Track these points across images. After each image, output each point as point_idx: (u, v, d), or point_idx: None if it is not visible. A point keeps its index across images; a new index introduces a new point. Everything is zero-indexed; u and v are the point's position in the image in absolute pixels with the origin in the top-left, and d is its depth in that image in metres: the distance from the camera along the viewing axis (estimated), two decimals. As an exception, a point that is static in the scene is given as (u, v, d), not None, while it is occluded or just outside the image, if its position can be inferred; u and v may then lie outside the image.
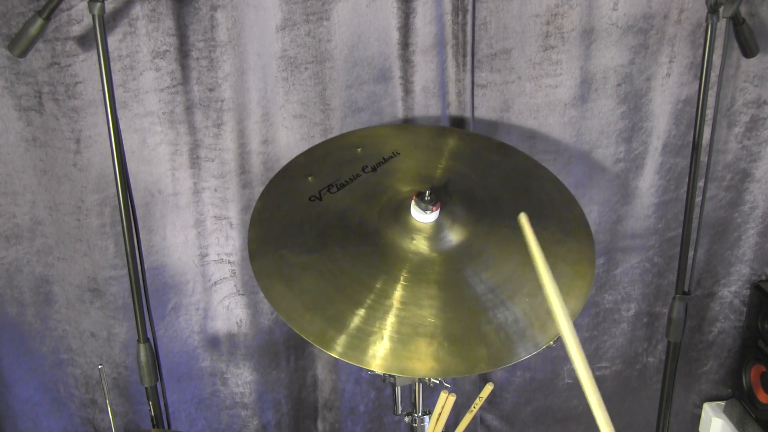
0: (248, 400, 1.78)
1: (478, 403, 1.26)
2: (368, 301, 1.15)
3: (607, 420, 0.96)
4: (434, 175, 1.39)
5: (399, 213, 1.27)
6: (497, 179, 1.41)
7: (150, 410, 1.45)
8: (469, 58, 1.51)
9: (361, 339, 1.11)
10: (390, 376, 1.26)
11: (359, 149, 1.42)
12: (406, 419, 1.44)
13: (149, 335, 1.40)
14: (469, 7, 1.46)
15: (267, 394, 1.79)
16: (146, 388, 1.42)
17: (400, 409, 1.45)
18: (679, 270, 1.55)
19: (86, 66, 1.36)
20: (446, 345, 1.12)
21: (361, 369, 1.10)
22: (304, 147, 1.48)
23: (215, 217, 1.58)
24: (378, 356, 1.10)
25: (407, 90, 1.55)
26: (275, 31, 1.43)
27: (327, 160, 1.41)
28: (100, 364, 1.54)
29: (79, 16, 1.32)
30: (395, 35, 1.49)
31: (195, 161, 1.52)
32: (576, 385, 1.99)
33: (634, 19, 1.54)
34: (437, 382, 1.28)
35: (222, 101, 1.46)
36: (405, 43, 1.50)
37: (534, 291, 1.20)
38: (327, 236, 1.25)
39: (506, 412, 1.99)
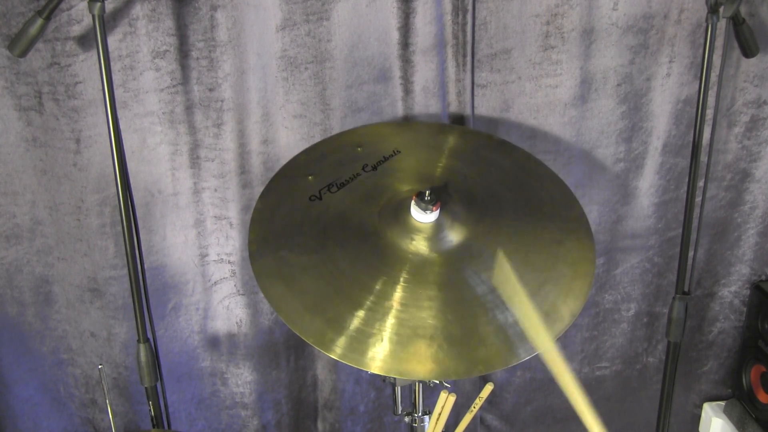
0: (248, 400, 1.78)
1: (478, 403, 1.26)
2: (368, 303, 1.15)
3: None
4: (434, 174, 1.38)
5: (399, 213, 1.27)
6: (498, 178, 1.41)
7: (150, 410, 1.45)
8: (469, 58, 1.51)
9: (361, 341, 1.11)
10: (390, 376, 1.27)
11: (359, 148, 1.41)
12: (406, 419, 1.44)
13: (149, 335, 1.40)
14: (469, 7, 1.46)
15: (267, 394, 1.79)
16: (146, 388, 1.42)
17: (400, 409, 1.45)
18: (679, 270, 1.55)
19: (86, 66, 1.36)
20: (446, 347, 1.12)
21: (361, 369, 1.10)
22: (304, 147, 1.48)
23: (215, 217, 1.58)
24: (377, 358, 1.10)
25: (407, 90, 1.55)
26: (275, 31, 1.43)
27: (327, 159, 1.41)
28: (100, 364, 1.54)
29: (79, 16, 1.32)
30: (395, 35, 1.49)
31: (195, 161, 1.52)
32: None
33: (634, 19, 1.54)
34: (437, 382, 1.28)
35: (222, 101, 1.46)
36: (405, 43, 1.50)
37: (534, 291, 1.20)
38: (327, 236, 1.24)
39: (506, 412, 1.99)
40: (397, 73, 1.53)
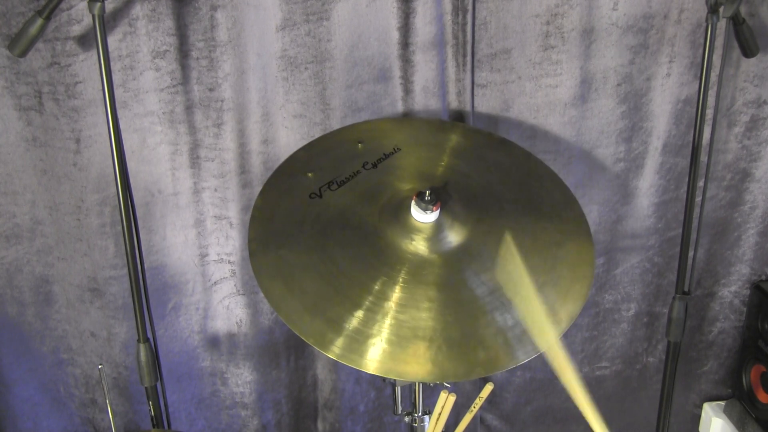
0: (248, 400, 1.78)
1: (478, 403, 1.26)
2: (367, 303, 1.15)
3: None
4: (434, 173, 1.38)
5: (399, 212, 1.27)
6: (498, 178, 1.40)
7: (150, 410, 1.45)
8: (469, 58, 1.51)
9: (360, 341, 1.11)
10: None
11: (360, 145, 1.41)
12: (406, 419, 1.44)
13: (149, 335, 1.40)
14: (469, 7, 1.46)
15: (267, 394, 1.79)
16: (146, 388, 1.42)
17: (400, 409, 1.45)
18: (679, 270, 1.55)
19: (86, 66, 1.36)
20: (444, 348, 1.12)
21: (365, 371, 1.10)
22: (304, 147, 1.49)
23: (215, 216, 1.58)
24: (376, 359, 1.10)
25: (407, 90, 1.55)
26: (275, 31, 1.43)
27: (327, 155, 1.40)
28: (100, 364, 1.54)
29: (79, 16, 1.32)
30: (395, 35, 1.49)
31: (195, 161, 1.51)
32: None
33: (634, 19, 1.54)
34: (439, 382, 1.28)
35: (222, 101, 1.46)
36: (405, 43, 1.50)
37: (533, 293, 1.20)
38: (327, 235, 1.24)
39: (506, 412, 1.99)
40: (397, 72, 1.53)
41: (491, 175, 1.41)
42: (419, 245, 1.24)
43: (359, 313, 1.13)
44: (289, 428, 1.86)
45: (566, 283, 1.23)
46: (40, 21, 1.21)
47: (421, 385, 1.40)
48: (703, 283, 1.92)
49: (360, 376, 1.84)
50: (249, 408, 1.79)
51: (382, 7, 1.45)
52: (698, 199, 1.52)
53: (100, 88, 1.23)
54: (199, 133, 1.49)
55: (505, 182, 1.40)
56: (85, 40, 1.34)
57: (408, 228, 1.25)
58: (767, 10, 1.58)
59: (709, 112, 1.58)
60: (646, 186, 1.75)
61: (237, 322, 1.70)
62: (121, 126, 1.30)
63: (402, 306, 1.15)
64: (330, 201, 1.29)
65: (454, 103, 1.55)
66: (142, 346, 1.38)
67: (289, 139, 1.54)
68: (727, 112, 1.70)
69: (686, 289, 1.56)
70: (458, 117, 1.57)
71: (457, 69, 1.52)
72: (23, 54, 1.25)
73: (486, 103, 1.58)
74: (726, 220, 1.84)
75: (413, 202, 1.24)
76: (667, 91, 1.63)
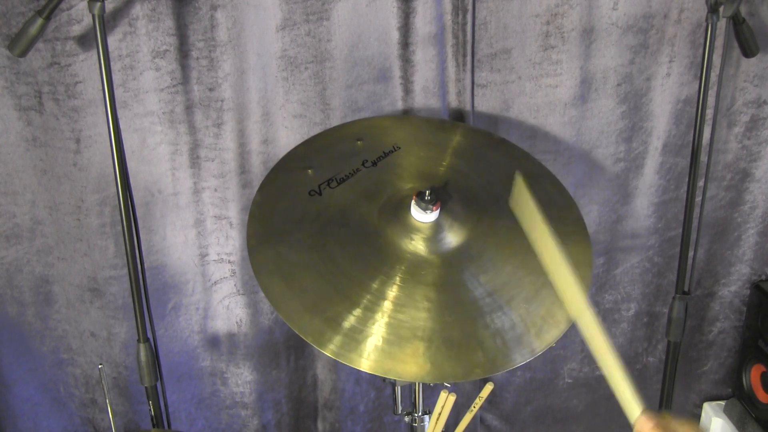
0: (248, 400, 1.78)
1: (478, 402, 1.26)
2: (365, 302, 1.15)
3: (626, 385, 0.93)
4: (434, 172, 1.38)
5: (399, 211, 1.27)
6: (498, 178, 1.40)
7: (150, 410, 1.45)
8: (469, 58, 1.51)
9: (359, 340, 1.11)
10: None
11: (359, 142, 1.41)
12: (406, 419, 1.44)
13: (149, 335, 1.40)
14: (469, 7, 1.46)
15: (267, 393, 1.79)
16: (146, 387, 1.42)
17: (400, 408, 1.45)
18: (679, 270, 1.55)
19: (86, 66, 1.36)
20: (443, 349, 1.12)
21: (361, 370, 1.10)
22: (304, 147, 1.49)
23: (215, 216, 1.58)
24: (373, 358, 1.10)
25: (407, 90, 1.55)
26: (275, 31, 1.43)
27: (327, 152, 1.40)
28: (100, 364, 1.54)
29: (79, 15, 1.32)
30: (395, 35, 1.49)
31: (195, 161, 1.52)
32: (576, 385, 1.99)
33: (634, 19, 1.54)
34: (436, 382, 1.28)
35: (222, 101, 1.46)
36: (405, 43, 1.50)
37: (531, 296, 1.20)
38: (326, 233, 1.24)
39: (506, 412, 1.99)
40: (397, 72, 1.53)
41: (490, 175, 1.40)
42: (418, 245, 1.24)
43: (358, 312, 1.13)
44: (289, 428, 1.86)
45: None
46: (40, 21, 1.21)
47: (421, 385, 1.40)
48: (703, 283, 1.92)
49: (360, 376, 1.84)
50: (249, 408, 1.79)
51: (382, 7, 1.45)
52: (698, 199, 1.52)
53: (100, 88, 1.23)
54: (199, 133, 1.49)
55: (504, 183, 1.40)
56: (85, 40, 1.34)
57: (407, 227, 1.25)
58: (767, 10, 1.58)
59: (709, 112, 1.58)
60: (646, 186, 1.75)
61: (237, 322, 1.70)
62: (121, 126, 1.30)
63: (401, 306, 1.15)
64: (329, 199, 1.29)
65: (454, 102, 1.55)
66: (142, 346, 1.38)
67: (289, 139, 1.54)
68: (727, 112, 1.70)
69: (686, 289, 1.57)
70: (458, 117, 1.57)
71: (457, 69, 1.52)
72: (23, 54, 1.25)
73: (486, 102, 1.58)
74: (726, 220, 1.84)
75: (413, 202, 1.24)
76: (667, 91, 1.63)
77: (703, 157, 1.52)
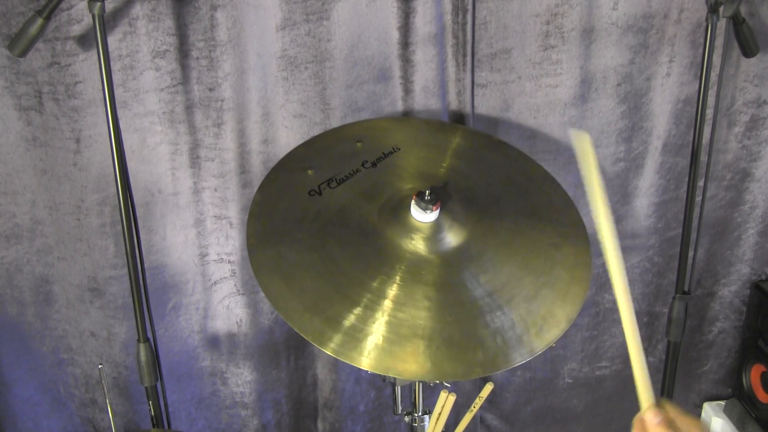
0: (248, 400, 1.78)
1: (478, 402, 1.26)
2: (365, 301, 1.15)
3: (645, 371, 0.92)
4: (434, 173, 1.38)
5: (399, 211, 1.27)
6: (498, 179, 1.41)
7: (150, 410, 1.45)
8: (469, 58, 1.51)
9: (359, 339, 1.11)
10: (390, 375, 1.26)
11: (359, 143, 1.41)
12: (406, 419, 1.44)
13: (149, 335, 1.40)
14: (469, 7, 1.46)
15: (267, 393, 1.79)
16: (146, 387, 1.42)
17: (400, 408, 1.45)
18: (679, 270, 1.55)
19: (86, 66, 1.36)
20: (443, 348, 1.12)
21: (362, 368, 1.10)
22: (304, 147, 1.49)
23: (215, 216, 1.58)
24: (374, 356, 1.10)
25: (407, 90, 1.55)
26: (275, 31, 1.43)
27: (327, 153, 1.40)
28: (100, 364, 1.54)
29: (79, 15, 1.32)
30: (395, 35, 1.49)
31: (195, 161, 1.52)
32: (576, 385, 1.99)
33: (634, 19, 1.54)
34: (437, 381, 1.28)
35: (222, 101, 1.46)
36: (405, 43, 1.50)
37: (531, 296, 1.20)
38: (326, 233, 1.24)
39: (506, 412, 1.99)
40: (397, 72, 1.53)
41: (490, 176, 1.41)
42: (418, 245, 1.24)
43: (358, 311, 1.13)
44: (289, 428, 1.86)
45: (564, 285, 1.23)
46: (40, 21, 1.21)
47: (421, 384, 1.40)
48: (703, 283, 1.92)
49: (360, 376, 1.84)
50: (249, 408, 1.79)
51: (382, 7, 1.45)
52: (698, 198, 1.52)
53: (100, 88, 1.23)
54: (199, 133, 1.49)
55: (503, 184, 1.40)
56: (85, 40, 1.34)
57: (407, 227, 1.25)
58: (767, 10, 1.58)
59: (709, 112, 1.58)
60: (646, 186, 1.75)
61: (237, 322, 1.70)
62: (121, 126, 1.30)
63: (401, 305, 1.15)
64: (329, 199, 1.29)
65: (454, 102, 1.55)
66: (142, 346, 1.38)
67: (289, 139, 1.54)
68: (727, 112, 1.70)
69: (686, 289, 1.57)
70: (458, 117, 1.57)
71: (457, 69, 1.52)
72: (23, 54, 1.25)
73: (486, 102, 1.58)
74: (726, 220, 1.84)
75: (413, 202, 1.24)
76: (667, 91, 1.63)
77: (703, 157, 1.52)
